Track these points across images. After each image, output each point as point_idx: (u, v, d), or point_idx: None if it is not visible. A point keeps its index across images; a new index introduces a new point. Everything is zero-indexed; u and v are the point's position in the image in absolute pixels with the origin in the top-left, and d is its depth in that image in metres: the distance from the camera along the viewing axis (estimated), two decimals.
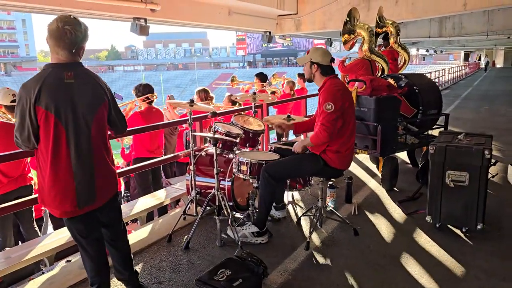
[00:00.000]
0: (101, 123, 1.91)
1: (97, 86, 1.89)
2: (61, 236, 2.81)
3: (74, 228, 1.90)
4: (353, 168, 4.73)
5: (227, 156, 3.29)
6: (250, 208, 3.00)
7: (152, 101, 4.16)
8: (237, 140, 3.15)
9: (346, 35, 4.62)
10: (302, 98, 5.86)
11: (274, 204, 3.11)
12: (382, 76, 4.66)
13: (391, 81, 4.22)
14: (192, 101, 3.08)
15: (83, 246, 1.92)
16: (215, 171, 2.85)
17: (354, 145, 4.09)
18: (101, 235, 1.98)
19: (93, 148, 1.87)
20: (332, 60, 2.72)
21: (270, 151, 3.35)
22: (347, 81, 4.33)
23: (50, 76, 1.78)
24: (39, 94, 1.74)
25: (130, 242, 2.14)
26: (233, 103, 5.04)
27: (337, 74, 2.78)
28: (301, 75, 6.53)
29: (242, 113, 4.21)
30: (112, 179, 1.95)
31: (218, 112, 4.01)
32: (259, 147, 3.64)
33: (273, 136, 6.44)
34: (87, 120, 1.85)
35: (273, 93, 6.14)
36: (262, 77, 6.06)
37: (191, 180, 3.18)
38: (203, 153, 3.34)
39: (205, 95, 4.79)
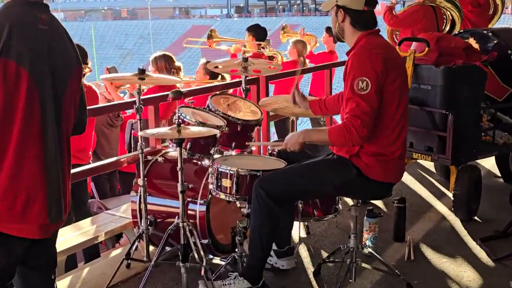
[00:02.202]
0: (72, 103, 2.05)
1: (70, 42, 2.03)
2: None
3: (11, 253, 1.95)
4: (407, 183, 4.76)
5: (199, 163, 3.32)
6: (236, 250, 3.02)
7: (84, 74, 4.17)
8: (217, 136, 3.17)
9: None
10: (325, 68, 5.86)
11: (275, 245, 3.11)
12: (455, 33, 4.67)
13: (471, 41, 4.23)
14: (142, 72, 3.10)
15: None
16: (179, 188, 2.87)
17: (409, 146, 4.15)
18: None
19: (62, 141, 2.00)
20: (373, 3, 2.68)
21: (270, 155, 3.34)
22: (397, 41, 4.32)
23: (19, 16, 1.85)
24: (8, 39, 1.78)
25: None
26: (212, 75, 5.06)
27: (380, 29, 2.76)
28: (330, 30, 6.52)
29: (226, 92, 4.24)
30: (68, 198, 2.08)
31: (185, 90, 4.02)
32: (253, 148, 3.65)
33: (273, 131, 6.48)
34: (58, 95, 1.95)
35: (271, 58, 6.16)
36: (258, 33, 6.05)
37: (140, 203, 3.21)
38: (160, 159, 3.37)
39: (166, 63, 4.81)
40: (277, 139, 5.28)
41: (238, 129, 3.31)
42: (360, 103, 2.51)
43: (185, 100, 3.97)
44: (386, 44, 2.72)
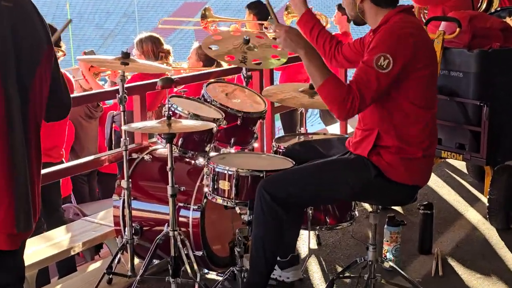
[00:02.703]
0: (43, 91, 2.02)
1: (40, 21, 2.01)
2: None
3: None
4: (435, 186, 4.76)
5: (193, 162, 3.33)
6: (237, 263, 3.01)
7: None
8: (213, 131, 3.18)
9: None
10: None
11: (279, 256, 3.09)
12: (491, 12, 4.65)
13: (510, 21, 4.21)
14: (126, 55, 3.10)
15: None
16: (169, 191, 2.88)
17: (437, 142, 4.14)
18: None
19: (30, 136, 1.98)
20: None
21: (275, 152, 3.35)
22: (424, 21, 4.30)
23: None
24: None
25: None
26: (206, 61, 5.06)
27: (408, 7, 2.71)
28: (342, 9, 6.51)
29: (223, 79, 4.23)
30: (38, 204, 2.07)
31: (176, 77, 4.02)
32: (255, 145, 3.64)
33: (278, 125, 6.47)
34: (25, 83, 1.93)
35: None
36: (260, 10, 6.05)
37: (124, 208, 3.22)
38: (147, 157, 3.39)
39: (153, 47, 4.83)
40: (283, 134, 5.27)
41: (238, 122, 3.31)
42: (371, 79, 2.51)
43: (176, 89, 3.98)
44: (420, 26, 2.71)
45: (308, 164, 2.84)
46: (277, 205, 2.69)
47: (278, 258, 3.06)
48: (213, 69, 4.87)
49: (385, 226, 3.39)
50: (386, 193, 2.75)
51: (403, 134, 2.64)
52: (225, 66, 4.91)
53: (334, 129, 6.15)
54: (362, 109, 2.55)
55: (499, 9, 4.66)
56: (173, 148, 2.87)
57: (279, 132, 6.97)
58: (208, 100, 3.34)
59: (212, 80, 3.72)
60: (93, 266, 3.65)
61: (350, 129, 5.70)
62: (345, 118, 2.61)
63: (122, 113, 3.14)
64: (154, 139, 3.65)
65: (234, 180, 2.87)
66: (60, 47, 4.17)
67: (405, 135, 2.64)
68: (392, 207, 4.01)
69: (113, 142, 4.81)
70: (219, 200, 2.94)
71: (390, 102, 2.61)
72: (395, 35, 2.56)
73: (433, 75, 2.71)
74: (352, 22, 3.00)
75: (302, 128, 4.00)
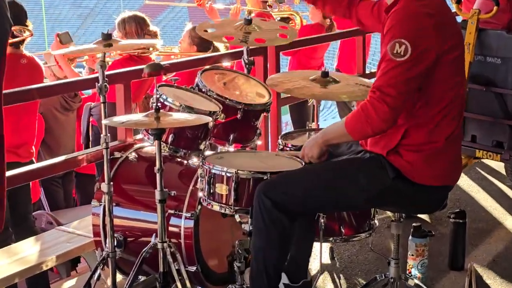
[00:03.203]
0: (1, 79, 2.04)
1: None
2: None
3: None
4: (468, 190, 4.75)
5: (185, 162, 3.34)
6: (237, 280, 3.00)
7: (23, 41, 4.22)
8: (209, 126, 3.19)
9: None
10: (357, 35, 5.87)
11: (286, 278, 3.07)
12: None
13: None
14: (107, 37, 3.11)
15: None
16: (157, 196, 2.89)
17: (470, 140, 4.12)
18: None
19: None
20: None
21: (281, 151, 3.35)
22: None
23: None
24: None
25: None
26: (201, 45, 5.08)
27: None
28: None
29: (221, 66, 4.22)
30: (3, 210, 2.10)
31: (166, 63, 4.01)
32: (259, 142, 3.65)
33: (286, 119, 6.47)
34: None
35: (285, 20, 6.15)
36: None
37: (104, 216, 3.23)
38: (132, 156, 3.40)
39: (137, 28, 4.83)
40: (292, 130, 5.27)
41: (238, 116, 3.31)
42: (390, 73, 2.52)
43: (166, 77, 3.97)
44: (441, 3, 2.70)
45: (316, 164, 2.84)
46: (279, 211, 2.68)
47: (288, 282, 3.06)
48: (209, 53, 4.87)
49: (410, 237, 3.39)
50: (408, 198, 2.74)
51: (427, 130, 2.64)
52: (223, 51, 4.92)
53: None
54: (393, 107, 2.54)
55: None
56: (162, 146, 2.87)
57: (287, 128, 6.97)
58: (203, 90, 3.33)
59: (208, 66, 3.71)
60: (69, 283, 3.67)
61: None
62: (381, 128, 2.61)
63: (102, 104, 3.12)
64: (139, 136, 3.64)
65: (233, 183, 2.87)
66: (26, 26, 4.15)
67: (430, 131, 2.64)
68: (418, 215, 4.01)
69: (90, 139, 4.82)
70: (216, 207, 2.94)
71: (422, 93, 2.61)
72: (409, 16, 2.57)
73: (461, 63, 2.71)
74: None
75: (313, 123, 4.00)
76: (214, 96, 3.30)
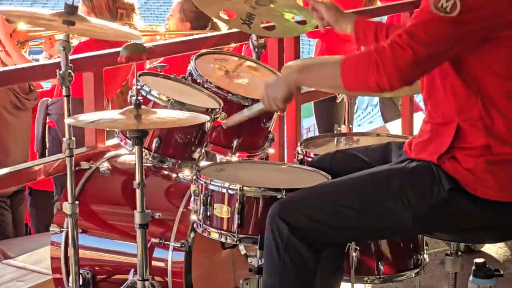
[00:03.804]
0: None
1: None
2: None
3: None
4: None
5: (174, 175, 3.37)
6: None
7: None
8: (206, 128, 3.21)
9: None
10: (405, 10, 5.88)
11: None
12: None
13: None
14: (72, 9, 3.11)
15: None
16: (137, 219, 2.89)
17: None
18: None
19: None
20: None
21: (300, 162, 3.37)
22: None
23: None
24: None
25: None
26: (196, 20, 5.13)
27: None
28: None
29: (222, 49, 4.23)
30: None
31: (150, 45, 4.01)
32: (271, 151, 3.69)
33: (308, 121, 6.45)
34: None
35: None
36: None
37: (67, 246, 3.25)
38: (104, 167, 3.43)
39: (108, 0, 4.87)
40: (318, 134, 5.30)
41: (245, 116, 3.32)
42: (427, 25, 2.55)
43: (150, 65, 3.98)
44: None
45: (346, 178, 2.86)
46: (300, 240, 2.69)
47: None
48: (206, 33, 4.89)
49: (471, 277, 3.36)
50: (468, 219, 2.74)
51: (494, 125, 2.66)
52: (225, 30, 4.93)
53: (397, 127, 6.17)
54: (421, 61, 2.55)
55: None
56: (144, 154, 2.89)
57: (309, 133, 6.99)
58: (198, 81, 3.36)
59: (205, 50, 3.72)
60: None
61: (418, 129, 5.72)
62: (385, 83, 2.57)
63: (65, 99, 3.12)
64: (114, 140, 3.65)
65: (237, 204, 2.88)
66: None
67: (498, 126, 2.66)
68: (482, 245, 4.01)
69: (46, 146, 4.82)
70: (215, 234, 2.95)
71: (472, 79, 2.64)
72: None
73: None
74: None
75: (344, 127, 3.98)
76: (213, 89, 3.33)
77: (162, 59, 4.44)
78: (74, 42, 4.80)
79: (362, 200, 2.76)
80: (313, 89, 4.40)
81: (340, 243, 2.97)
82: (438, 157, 2.68)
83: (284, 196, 2.85)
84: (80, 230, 3.21)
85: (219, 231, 2.94)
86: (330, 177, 2.98)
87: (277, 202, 2.79)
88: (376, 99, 29.73)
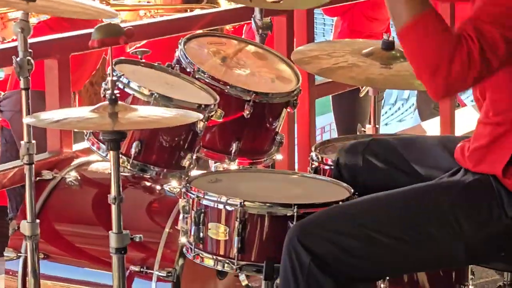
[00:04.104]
0: None
1: None
2: None
3: None
4: None
5: (157, 188, 3.40)
6: None
7: None
8: (197, 130, 3.22)
9: None
10: None
11: None
12: None
13: None
14: None
15: None
16: (112, 242, 2.87)
17: None
18: None
19: None
20: None
21: (315, 171, 3.38)
22: None
23: None
24: None
25: None
26: None
27: None
28: None
29: (218, 31, 4.23)
30: None
31: (129, 26, 4.01)
32: (278, 157, 3.70)
33: (324, 119, 6.45)
34: None
35: None
36: None
37: (25, 276, 3.25)
38: (71, 177, 3.44)
39: None
40: (336, 136, 5.30)
41: (246, 113, 3.37)
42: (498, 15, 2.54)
43: (129, 50, 4.00)
44: None
45: (380, 194, 2.85)
46: (323, 273, 2.70)
47: None
48: (200, 8, 4.90)
49: None
50: None
51: None
52: (225, 5, 4.94)
53: (434, 127, 6.18)
54: (473, 64, 2.51)
55: None
56: (121, 161, 2.89)
57: (324, 135, 7.01)
58: (188, 70, 3.38)
59: (198, 31, 3.72)
60: None
61: (461, 130, 5.72)
62: (449, 90, 2.58)
63: (22, 93, 3.11)
64: (84, 144, 3.66)
65: (237, 223, 2.88)
66: None
67: None
68: None
69: None
70: (209, 261, 2.96)
71: None
72: None
73: None
74: None
75: (369, 126, 3.98)
76: (207, 80, 3.34)
77: (144, 42, 4.45)
78: (32, 21, 4.80)
79: (403, 225, 2.76)
80: (330, 80, 4.40)
81: (373, 278, 2.98)
82: (503, 169, 2.68)
83: (295, 214, 2.84)
84: (41, 256, 3.22)
85: (214, 257, 2.94)
86: (352, 190, 2.99)
87: (297, 224, 2.80)
88: (406, 93, 29.86)
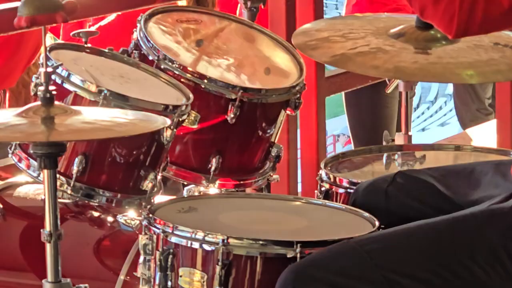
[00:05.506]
0: None
1: None
2: None
3: None
4: None
5: (109, 220, 3.42)
6: None
7: None
8: (163, 140, 3.22)
9: None
10: None
11: None
12: None
13: None
14: None
15: None
16: None
17: None
18: None
19: None
20: None
21: (325, 196, 3.39)
22: None
23: None
24: None
25: None
26: None
27: None
28: None
29: (192, 5, 4.26)
30: None
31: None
32: (273, 176, 3.71)
33: (337, 123, 6.50)
34: None
35: None
36: None
37: None
38: None
39: None
40: (353, 148, 5.34)
41: (229, 117, 3.37)
42: None
43: (72, 33, 4.03)
44: None
45: (413, 225, 2.88)
46: None
47: None
48: None
49: None
50: None
51: None
52: None
53: (484, 136, 6.20)
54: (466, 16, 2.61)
55: None
56: (59, 184, 2.90)
57: (336, 145, 7.09)
58: (150, 58, 3.40)
59: (163, 5, 3.74)
60: None
61: None
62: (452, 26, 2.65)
63: None
64: (7, 161, 3.68)
65: (218, 268, 2.90)
66: None
67: None
68: None
69: None
70: None
71: None
72: None
73: None
74: None
75: (399, 134, 4.00)
76: (176, 72, 3.35)
77: (90, 21, 4.48)
78: None
79: (433, 264, 2.78)
80: (345, 70, 4.41)
81: None
82: None
83: (298, 255, 2.84)
84: None
85: None
86: (376, 222, 3.01)
87: (291, 266, 2.80)
88: (450, 87, 29.94)
